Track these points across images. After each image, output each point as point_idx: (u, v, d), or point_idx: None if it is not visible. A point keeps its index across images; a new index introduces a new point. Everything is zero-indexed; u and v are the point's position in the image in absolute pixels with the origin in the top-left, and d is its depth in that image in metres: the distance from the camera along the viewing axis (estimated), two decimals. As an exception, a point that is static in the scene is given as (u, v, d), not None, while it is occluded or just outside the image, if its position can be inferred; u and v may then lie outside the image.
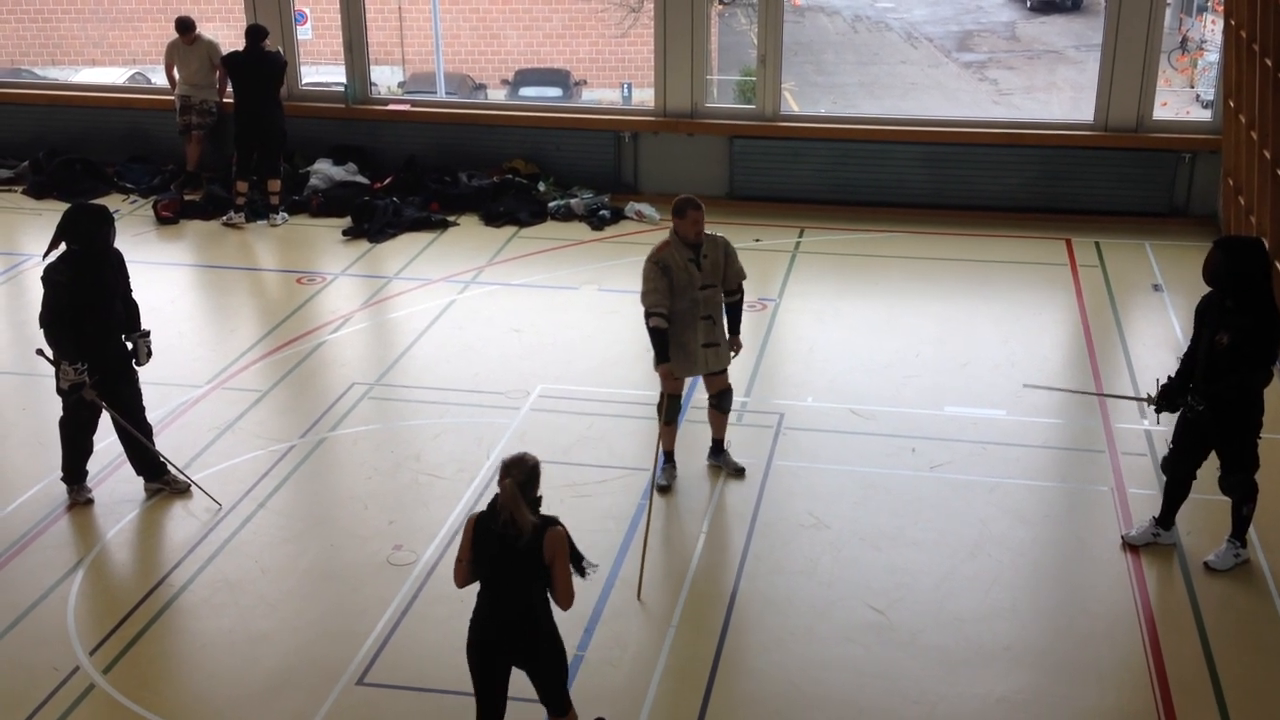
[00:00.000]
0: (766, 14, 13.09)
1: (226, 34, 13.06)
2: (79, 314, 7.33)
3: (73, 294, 7.29)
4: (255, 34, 12.78)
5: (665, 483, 8.01)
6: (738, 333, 7.92)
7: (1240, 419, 6.95)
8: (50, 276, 7.33)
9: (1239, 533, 7.21)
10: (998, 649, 6.59)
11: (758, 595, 6.99)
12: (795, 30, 25.70)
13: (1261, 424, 7.00)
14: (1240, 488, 7.09)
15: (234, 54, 12.82)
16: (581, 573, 5.32)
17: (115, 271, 7.58)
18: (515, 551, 5.14)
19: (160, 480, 7.97)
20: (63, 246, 7.46)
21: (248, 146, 12.80)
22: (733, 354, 7.93)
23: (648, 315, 7.63)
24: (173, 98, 13.53)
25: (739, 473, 8.16)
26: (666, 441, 8.03)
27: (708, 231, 7.71)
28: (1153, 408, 7.10)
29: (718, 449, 8.22)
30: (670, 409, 7.89)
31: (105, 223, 7.47)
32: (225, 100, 13.46)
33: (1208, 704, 6.20)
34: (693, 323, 7.66)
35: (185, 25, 13.43)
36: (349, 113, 13.92)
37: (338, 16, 13.97)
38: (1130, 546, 7.38)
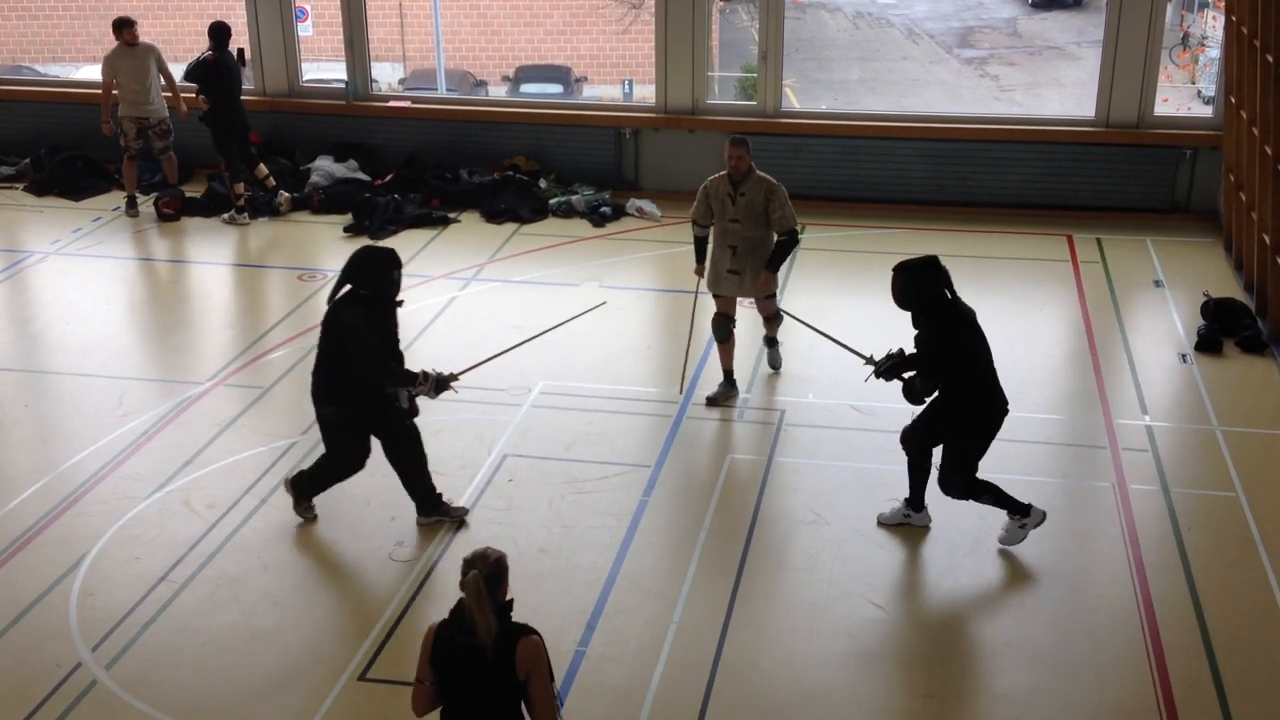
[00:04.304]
0: (768, 10, 13.08)
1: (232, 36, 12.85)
2: (383, 356, 7.09)
3: (372, 339, 6.99)
4: (227, 33, 12.47)
5: (714, 396, 8.91)
6: (771, 269, 8.74)
7: (955, 420, 7.09)
8: (346, 320, 6.97)
9: (1010, 510, 7.26)
10: (998, 645, 6.60)
11: (759, 591, 7.00)
12: (796, 26, 25.69)
13: (979, 434, 7.07)
14: (952, 489, 7.19)
15: (216, 58, 12.40)
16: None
17: (394, 315, 7.25)
18: (483, 668, 4.45)
19: (437, 514, 7.57)
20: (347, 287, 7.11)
21: (231, 146, 12.63)
22: (759, 285, 8.76)
23: (692, 223, 8.99)
24: (125, 118, 12.70)
25: (777, 368, 9.36)
26: (723, 360, 9.00)
27: (765, 176, 8.69)
28: (872, 370, 7.25)
29: (770, 342, 9.34)
30: (719, 327, 8.92)
31: (395, 266, 7.09)
32: (180, 106, 12.96)
33: (1209, 699, 6.21)
34: (722, 247, 8.78)
35: (125, 24, 12.64)
36: (350, 109, 13.93)
37: (338, 13, 13.96)
38: (1132, 541, 7.40)
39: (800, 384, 9.36)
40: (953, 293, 7.02)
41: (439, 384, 7.18)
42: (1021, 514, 7.28)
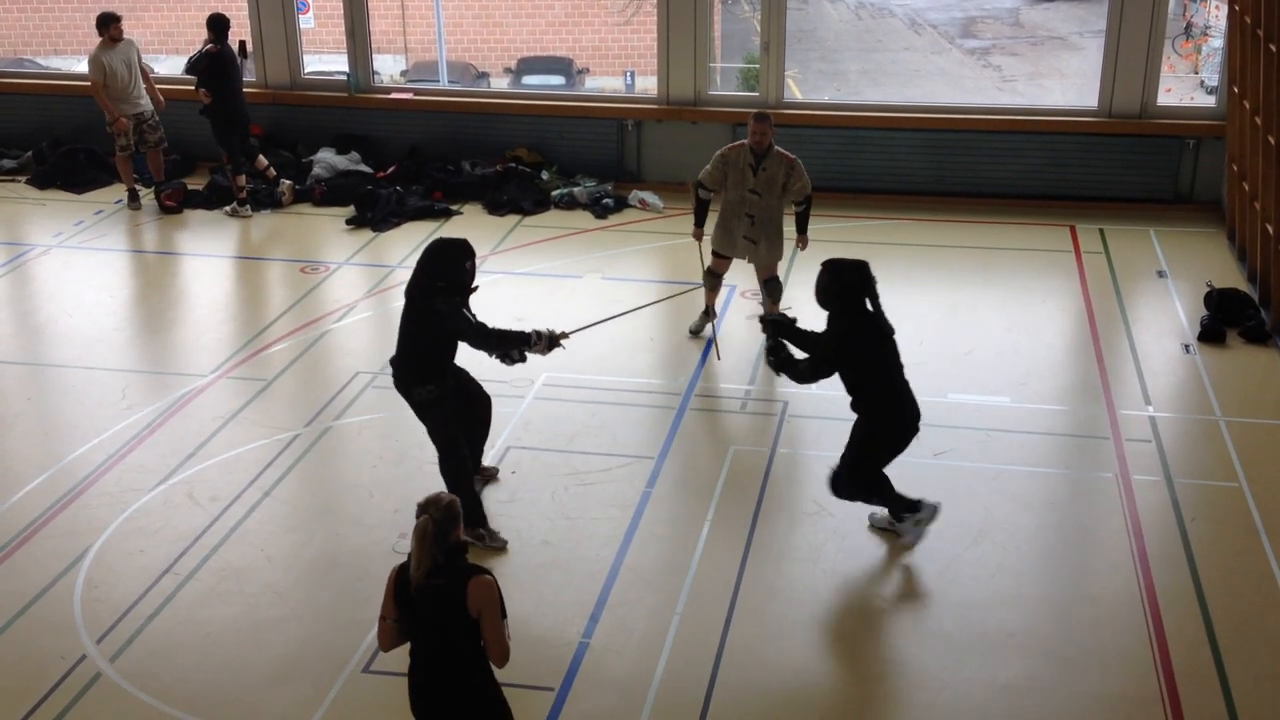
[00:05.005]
0: (770, 1, 13.06)
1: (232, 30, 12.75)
2: (447, 339, 7.24)
3: (468, 315, 7.15)
4: (226, 24, 12.40)
5: (696, 329, 9.74)
6: (803, 233, 9.50)
7: (863, 430, 7.03)
8: (436, 310, 7.11)
9: (897, 511, 7.16)
10: (1002, 635, 6.60)
11: (762, 583, 7.00)
12: (798, 17, 25.64)
13: (882, 447, 7.00)
14: (839, 490, 7.08)
15: (220, 51, 12.33)
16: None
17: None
18: (438, 605, 4.70)
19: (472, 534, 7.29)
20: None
21: (233, 139, 12.59)
22: (800, 249, 9.62)
23: (696, 185, 9.54)
24: (121, 119, 12.62)
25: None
26: (707, 299, 9.68)
27: (784, 152, 9.31)
28: (766, 335, 7.27)
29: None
30: (710, 280, 9.62)
31: (467, 256, 7.25)
32: (159, 99, 12.93)
33: (1212, 689, 6.21)
34: (739, 214, 9.36)
35: (112, 19, 12.52)
36: (352, 101, 13.91)
37: (340, 5, 13.95)
38: (1135, 532, 7.40)
39: (803, 375, 9.35)
40: (875, 304, 6.87)
41: (550, 341, 7.31)
42: (912, 510, 7.15)
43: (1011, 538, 7.38)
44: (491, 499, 7.77)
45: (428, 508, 4.72)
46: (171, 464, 8.18)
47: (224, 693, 6.24)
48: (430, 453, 8.24)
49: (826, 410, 8.83)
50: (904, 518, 7.20)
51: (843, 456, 7.15)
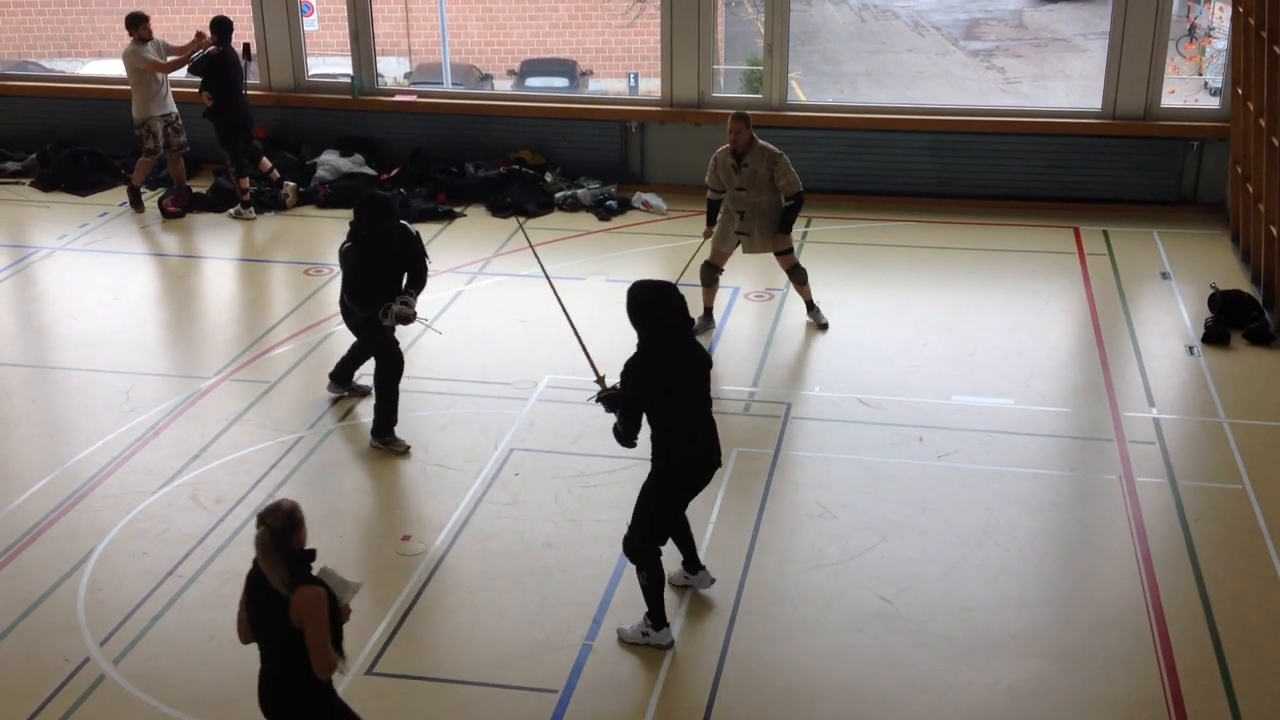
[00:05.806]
0: (773, 3, 13.06)
1: (237, 31, 12.74)
2: (366, 289, 8.11)
3: (360, 276, 8.03)
4: (230, 27, 12.41)
5: (697, 329, 9.08)
6: (784, 231, 9.73)
7: (651, 474, 6.41)
8: (346, 259, 8.13)
9: (649, 612, 6.47)
10: (1005, 637, 6.60)
11: (765, 584, 7.00)
12: (802, 19, 25.64)
13: (660, 488, 6.34)
14: (627, 548, 6.43)
15: (223, 52, 12.33)
16: (339, 650, 4.82)
17: (398, 251, 8.20)
18: (264, 611, 4.77)
19: (380, 440, 8.37)
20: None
21: (236, 141, 12.60)
22: (775, 245, 9.74)
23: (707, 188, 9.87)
24: (154, 117, 12.67)
25: (824, 327, 10.02)
26: (705, 299, 9.92)
27: (767, 145, 9.54)
28: (599, 390, 6.56)
29: (809, 308, 10.11)
30: (705, 274, 9.84)
31: (385, 214, 8.12)
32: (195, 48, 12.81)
33: (1216, 692, 6.20)
34: (732, 211, 9.74)
35: (142, 19, 12.64)
36: (355, 104, 13.93)
37: (344, 7, 13.97)
38: (1139, 534, 7.39)
39: (806, 377, 9.36)
40: (682, 326, 6.29)
41: (399, 316, 8.15)
42: (654, 624, 6.47)
43: (1015, 540, 7.37)
44: (494, 501, 7.78)
45: (265, 518, 4.74)
46: (175, 466, 8.18)
47: (227, 694, 6.24)
48: (434, 455, 8.27)
49: (830, 413, 8.83)
50: (646, 628, 6.50)
51: (634, 512, 6.45)
